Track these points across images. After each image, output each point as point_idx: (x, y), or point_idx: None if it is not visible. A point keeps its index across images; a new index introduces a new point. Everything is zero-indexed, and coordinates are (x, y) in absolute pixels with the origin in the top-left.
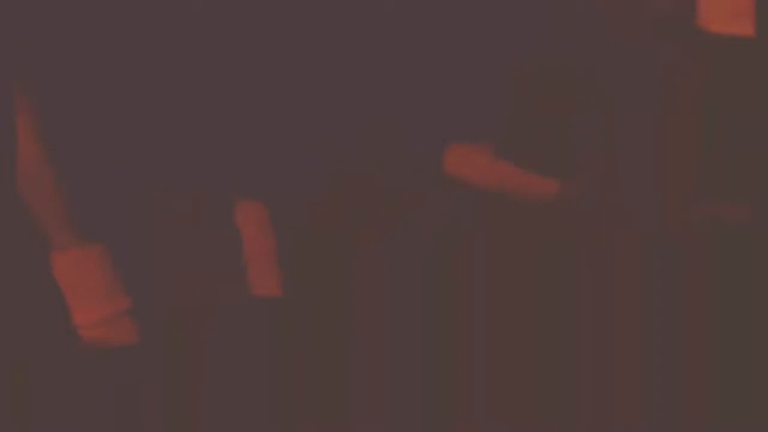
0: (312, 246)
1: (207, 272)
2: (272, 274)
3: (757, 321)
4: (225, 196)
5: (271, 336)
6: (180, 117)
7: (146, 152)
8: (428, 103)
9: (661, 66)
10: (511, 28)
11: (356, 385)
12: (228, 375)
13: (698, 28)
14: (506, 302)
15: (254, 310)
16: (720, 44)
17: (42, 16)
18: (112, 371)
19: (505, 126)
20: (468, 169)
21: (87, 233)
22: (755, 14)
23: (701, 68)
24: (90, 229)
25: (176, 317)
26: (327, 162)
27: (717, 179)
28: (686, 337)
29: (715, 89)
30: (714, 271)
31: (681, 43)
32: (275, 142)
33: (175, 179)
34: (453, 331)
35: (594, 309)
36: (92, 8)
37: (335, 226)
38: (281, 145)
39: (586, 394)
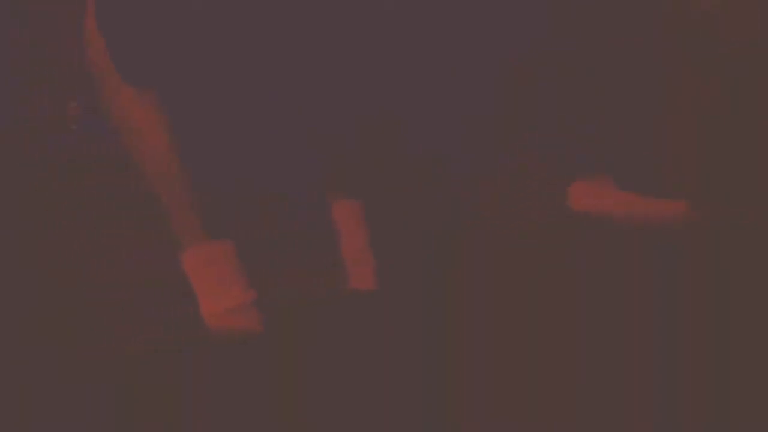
0: (408, 241)
1: (311, 267)
2: (369, 268)
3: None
4: (324, 195)
5: (369, 327)
6: (285, 122)
7: (259, 155)
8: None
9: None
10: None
11: (458, 374)
12: (336, 364)
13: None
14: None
15: (353, 303)
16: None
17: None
18: (234, 359)
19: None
20: (593, 202)
21: (215, 231)
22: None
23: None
24: (217, 227)
25: (290, 309)
26: (420, 159)
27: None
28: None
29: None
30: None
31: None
32: (373, 142)
33: (281, 180)
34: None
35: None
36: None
37: (432, 221)
38: (379, 145)
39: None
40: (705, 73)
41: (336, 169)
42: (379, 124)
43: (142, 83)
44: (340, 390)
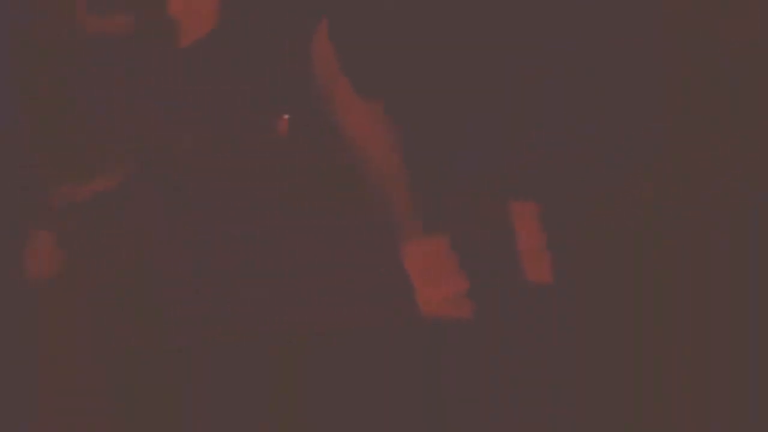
0: (582, 238)
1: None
2: (545, 263)
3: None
4: (500, 196)
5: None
6: (472, 122)
7: (455, 158)
8: None
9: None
10: None
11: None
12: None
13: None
14: None
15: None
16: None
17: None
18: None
19: None
20: None
21: (432, 225)
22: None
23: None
24: (435, 221)
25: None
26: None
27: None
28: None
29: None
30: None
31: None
32: (548, 145)
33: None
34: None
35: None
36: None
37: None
38: (554, 147)
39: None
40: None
41: (517, 171)
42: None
43: (371, 94)
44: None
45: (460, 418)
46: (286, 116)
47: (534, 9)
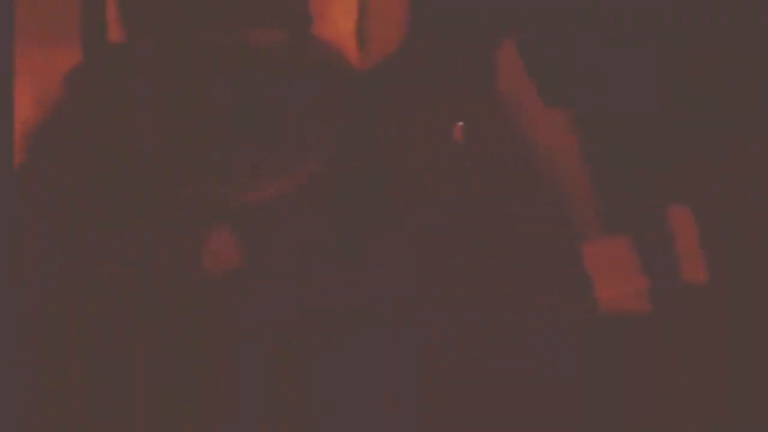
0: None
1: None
2: (699, 265)
3: None
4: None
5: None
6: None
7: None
8: None
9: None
10: None
11: None
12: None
13: None
14: None
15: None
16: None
17: None
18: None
19: None
20: None
21: (613, 225)
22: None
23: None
24: (616, 221)
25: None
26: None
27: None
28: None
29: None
30: None
31: None
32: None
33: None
34: None
35: None
36: None
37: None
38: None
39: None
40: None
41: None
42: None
43: (560, 104)
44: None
45: (629, 414)
46: (461, 123)
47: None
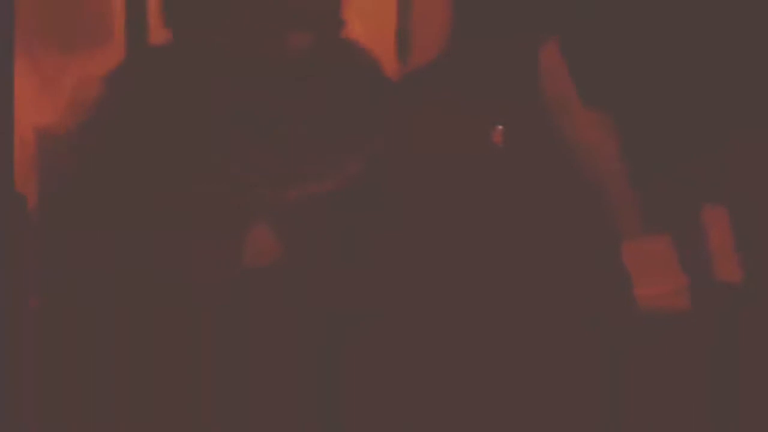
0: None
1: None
2: (734, 264)
3: None
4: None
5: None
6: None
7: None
8: None
9: None
10: None
11: None
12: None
13: None
14: None
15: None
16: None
17: None
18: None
19: None
20: None
21: (653, 224)
22: None
23: None
24: (656, 220)
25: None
26: None
27: None
28: None
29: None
30: None
31: None
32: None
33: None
34: None
35: None
36: None
37: None
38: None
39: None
40: None
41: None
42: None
43: (602, 108)
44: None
45: (666, 409)
46: (501, 126)
47: None
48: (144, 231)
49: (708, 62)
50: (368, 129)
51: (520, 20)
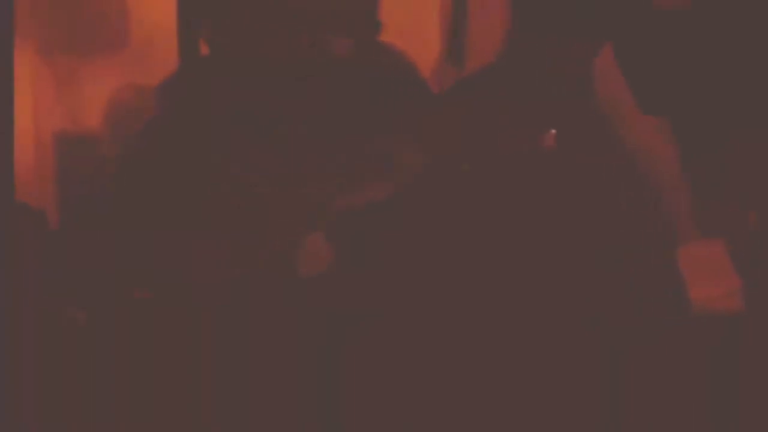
0: None
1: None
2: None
3: None
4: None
5: None
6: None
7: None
8: None
9: None
10: None
11: None
12: None
13: None
14: None
15: None
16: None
17: None
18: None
19: None
20: None
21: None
22: None
23: None
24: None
25: None
26: None
27: None
28: None
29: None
30: None
31: None
32: None
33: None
34: None
35: None
36: None
37: None
38: None
39: None
40: None
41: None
42: None
43: (657, 109)
44: None
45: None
46: (554, 131)
47: None
48: (200, 236)
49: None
50: (415, 134)
51: (575, 25)
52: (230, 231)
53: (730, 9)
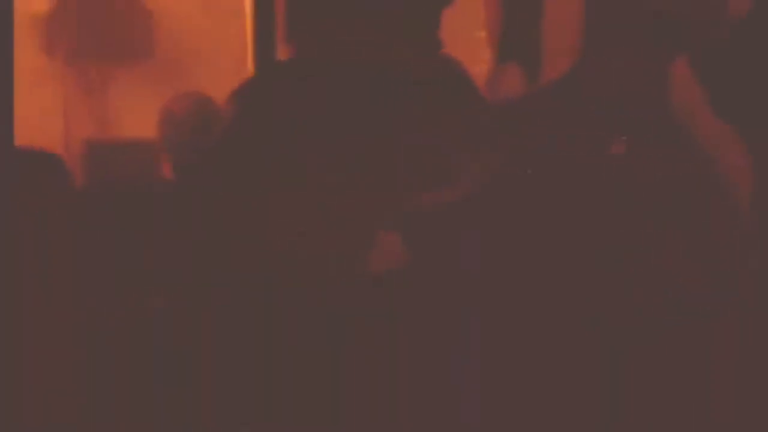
0: None
1: None
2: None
3: None
4: None
5: None
6: None
7: None
8: None
9: None
10: None
11: None
12: None
13: None
14: None
15: None
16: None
17: None
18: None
19: None
20: None
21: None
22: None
23: None
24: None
25: None
26: None
27: None
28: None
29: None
30: None
31: None
32: None
33: None
34: None
35: None
36: None
37: None
38: None
39: None
40: None
41: None
42: None
43: (734, 121)
44: None
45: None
46: (624, 137)
47: None
48: (272, 233)
49: None
50: (492, 141)
51: (649, 33)
52: (305, 232)
53: None
